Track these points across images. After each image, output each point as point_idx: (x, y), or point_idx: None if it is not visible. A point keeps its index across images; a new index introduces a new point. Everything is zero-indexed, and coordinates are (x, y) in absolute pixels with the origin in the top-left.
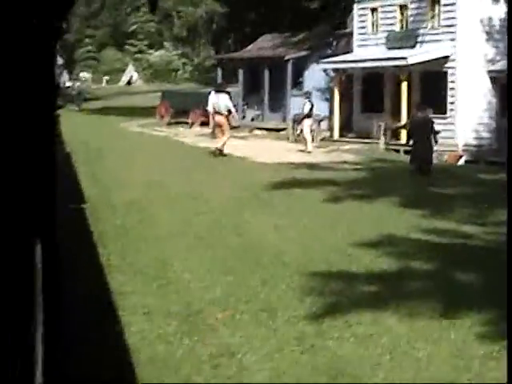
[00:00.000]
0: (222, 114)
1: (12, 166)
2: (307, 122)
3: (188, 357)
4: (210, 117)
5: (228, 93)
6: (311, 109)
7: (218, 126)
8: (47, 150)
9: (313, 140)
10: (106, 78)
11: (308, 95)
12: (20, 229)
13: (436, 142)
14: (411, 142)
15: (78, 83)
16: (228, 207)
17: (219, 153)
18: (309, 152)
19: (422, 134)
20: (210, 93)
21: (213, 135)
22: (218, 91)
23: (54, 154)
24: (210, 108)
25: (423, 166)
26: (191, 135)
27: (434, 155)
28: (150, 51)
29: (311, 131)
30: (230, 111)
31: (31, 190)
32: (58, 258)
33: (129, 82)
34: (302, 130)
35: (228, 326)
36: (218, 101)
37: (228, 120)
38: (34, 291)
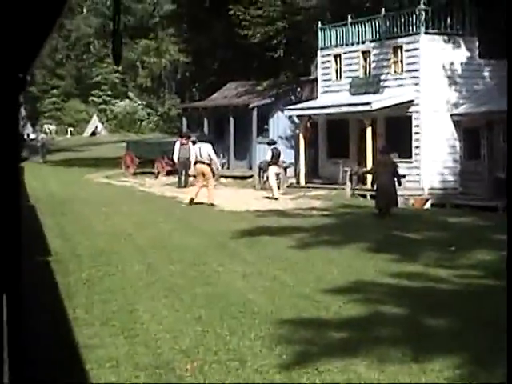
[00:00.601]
0: (204, 163)
1: None
2: (272, 170)
3: None
4: (192, 166)
5: (210, 142)
6: (277, 156)
7: (202, 174)
8: (12, 203)
9: (279, 187)
10: (71, 129)
11: (272, 142)
12: None
13: (399, 184)
14: (375, 186)
15: (42, 135)
16: (196, 256)
17: (191, 201)
18: (275, 199)
19: (386, 176)
20: (175, 142)
21: (179, 184)
22: (200, 141)
23: (19, 207)
24: (175, 157)
25: (387, 209)
26: (157, 185)
27: (401, 200)
28: (115, 101)
29: (277, 178)
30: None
31: None
32: (22, 311)
33: (93, 133)
34: (267, 178)
35: (197, 377)
36: (200, 150)
37: (211, 169)
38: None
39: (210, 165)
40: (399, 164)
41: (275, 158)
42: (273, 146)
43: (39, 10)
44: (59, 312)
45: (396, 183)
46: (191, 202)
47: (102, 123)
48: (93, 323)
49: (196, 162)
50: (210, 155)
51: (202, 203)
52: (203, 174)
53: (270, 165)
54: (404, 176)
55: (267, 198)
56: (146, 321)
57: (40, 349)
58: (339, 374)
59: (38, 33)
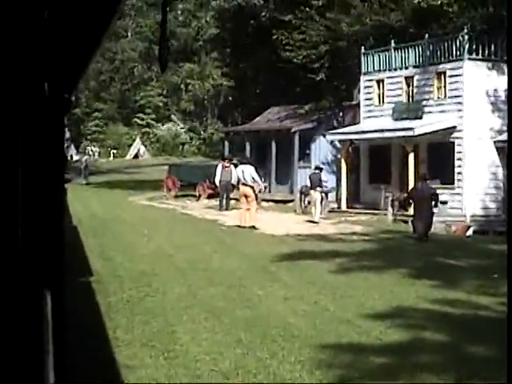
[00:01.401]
0: (247, 185)
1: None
2: (316, 194)
3: None
4: (238, 188)
5: (253, 165)
6: (317, 180)
7: (245, 196)
8: (57, 221)
9: (321, 212)
10: (114, 151)
11: (318, 168)
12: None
13: (436, 206)
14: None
15: (85, 157)
16: (236, 279)
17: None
18: (316, 222)
19: (423, 203)
20: (217, 165)
21: (221, 207)
22: (242, 163)
23: (62, 225)
24: (217, 180)
25: (425, 233)
26: (199, 208)
27: (442, 226)
28: (158, 125)
29: (321, 202)
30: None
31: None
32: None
33: (136, 156)
34: (309, 202)
35: None
36: (243, 172)
37: (254, 191)
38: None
39: (252, 187)
40: (441, 190)
41: (316, 183)
42: (312, 172)
43: (84, 30)
44: (100, 332)
45: (433, 209)
46: (245, 227)
47: (145, 146)
48: (133, 344)
49: (240, 185)
50: (253, 177)
51: (244, 226)
52: (246, 197)
53: (311, 189)
54: (446, 202)
55: (309, 221)
56: (186, 342)
57: (80, 368)
58: None
59: (82, 54)
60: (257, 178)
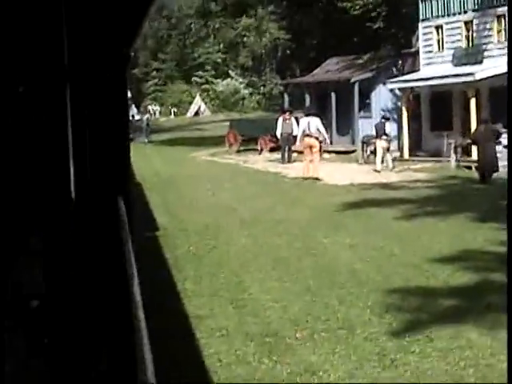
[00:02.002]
0: (312, 137)
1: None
2: (378, 143)
3: (268, 377)
4: (299, 140)
5: (319, 116)
6: (381, 130)
7: (309, 147)
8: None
9: (383, 161)
10: (174, 109)
11: (385, 117)
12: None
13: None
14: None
15: (146, 115)
16: (301, 229)
17: (315, 179)
18: (378, 171)
19: (487, 145)
20: (277, 119)
21: (283, 160)
22: (307, 115)
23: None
24: (278, 133)
25: (489, 175)
26: (261, 161)
27: (506, 170)
28: (217, 81)
29: (382, 152)
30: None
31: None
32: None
33: (196, 113)
34: (372, 152)
35: (307, 345)
36: (309, 124)
37: (319, 142)
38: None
39: (317, 138)
40: (504, 134)
41: (380, 132)
42: (378, 121)
43: None
44: (169, 284)
45: (496, 150)
46: (309, 178)
47: (205, 103)
48: (202, 294)
49: (304, 136)
50: (318, 129)
51: (308, 178)
52: (311, 148)
53: (376, 138)
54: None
55: (375, 170)
56: (254, 292)
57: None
58: (451, 341)
59: (138, 8)
60: (322, 129)
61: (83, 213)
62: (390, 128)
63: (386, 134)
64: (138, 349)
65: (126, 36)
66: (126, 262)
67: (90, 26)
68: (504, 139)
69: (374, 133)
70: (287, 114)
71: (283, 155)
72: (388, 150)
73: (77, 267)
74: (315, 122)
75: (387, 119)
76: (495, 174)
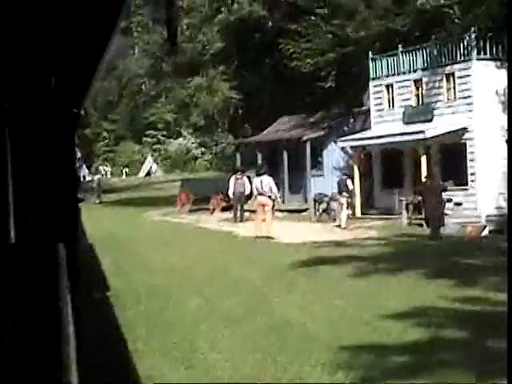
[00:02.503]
0: (264, 195)
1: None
2: (341, 199)
3: None
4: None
5: (271, 175)
6: (343, 186)
7: (262, 205)
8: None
9: (335, 219)
10: (126, 170)
11: (347, 174)
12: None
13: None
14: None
15: (97, 176)
16: (254, 288)
17: (268, 237)
18: (342, 227)
19: (433, 199)
20: (229, 178)
21: (235, 219)
22: (259, 174)
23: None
24: (230, 192)
25: (436, 230)
26: (213, 221)
27: (457, 227)
28: (169, 141)
29: (347, 207)
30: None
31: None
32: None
33: (148, 173)
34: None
35: None
36: (261, 183)
37: (272, 200)
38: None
39: (270, 197)
40: (455, 192)
41: (342, 189)
42: (339, 178)
43: (87, 42)
44: (119, 345)
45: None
46: (259, 237)
47: (157, 163)
48: (153, 354)
49: (257, 195)
50: (271, 187)
51: (261, 236)
52: (263, 206)
53: (339, 194)
54: (460, 204)
55: (337, 226)
56: (206, 351)
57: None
58: None
59: (89, 66)
60: (274, 188)
61: (22, 258)
62: (352, 185)
63: (347, 191)
64: None
65: (76, 95)
66: (61, 311)
67: (35, 84)
68: (456, 196)
69: (335, 189)
70: (239, 173)
71: (235, 214)
72: (348, 206)
73: (10, 311)
74: (267, 181)
75: (348, 176)
76: (444, 231)
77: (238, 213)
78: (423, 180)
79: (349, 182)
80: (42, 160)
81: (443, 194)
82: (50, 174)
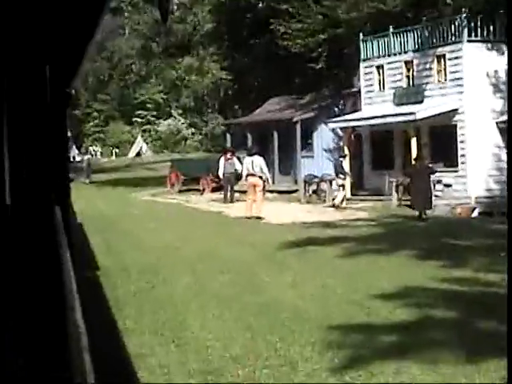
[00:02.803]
0: (255, 176)
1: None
2: (340, 180)
3: None
4: (243, 179)
5: (262, 155)
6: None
7: (253, 186)
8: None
9: (325, 201)
10: (116, 150)
11: (343, 156)
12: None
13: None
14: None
15: (87, 156)
16: (244, 267)
17: (257, 218)
18: (339, 207)
19: (421, 180)
20: (219, 158)
21: (225, 200)
22: (250, 154)
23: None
24: (220, 173)
25: (423, 211)
26: (203, 201)
27: (447, 209)
28: (158, 121)
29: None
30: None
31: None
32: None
33: (138, 154)
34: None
35: (250, 382)
36: (252, 163)
37: (262, 181)
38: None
39: (261, 177)
40: (445, 173)
41: (339, 170)
42: (335, 160)
43: (78, 25)
44: (109, 323)
45: (432, 186)
46: (250, 218)
47: (147, 143)
48: (143, 333)
49: (247, 175)
50: (262, 168)
51: (251, 217)
52: (254, 187)
53: (336, 175)
54: (450, 185)
55: (333, 206)
56: (196, 330)
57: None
58: (393, 376)
59: (79, 47)
60: (265, 169)
61: (19, 218)
62: (330, 167)
63: (343, 173)
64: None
65: (67, 76)
66: (63, 266)
67: (27, 64)
68: (445, 178)
69: (325, 171)
70: (229, 153)
71: (225, 195)
72: (343, 187)
73: (11, 271)
74: (258, 162)
75: (344, 157)
76: (434, 212)
77: (229, 193)
78: (413, 162)
79: (345, 163)
80: (36, 132)
81: (432, 176)
82: (44, 144)
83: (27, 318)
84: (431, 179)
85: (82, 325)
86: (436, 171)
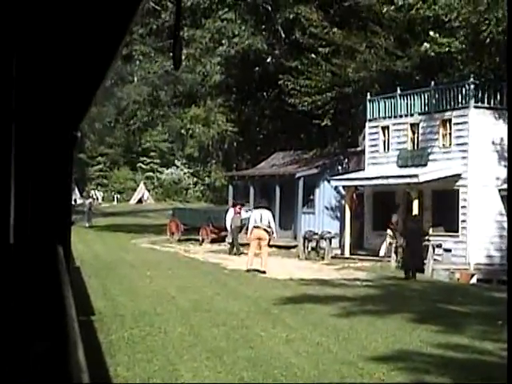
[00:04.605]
0: (261, 228)
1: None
2: None
3: None
4: (249, 231)
5: (270, 209)
6: None
7: (258, 239)
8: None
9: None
10: (117, 196)
11: None
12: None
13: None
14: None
15: (89, 200)
16: (239, 321)
17: (262, 272)
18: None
19: (413, 241)
20: (227, 210)
21: (230, 252)
22: (258, 207)
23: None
24: (227, 225)
25: (413, 270)
26: (202, 251)
27: (446, 273)
28: (162, 169)
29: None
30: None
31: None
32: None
33: (140, 201)
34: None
35: None
36: (261, 216)
37: (269, 235)
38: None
39: (267, 231)
40: (445, 238)
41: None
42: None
43: (87, 67)
44: (101, 369)
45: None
46: (248, 271)
47: (149, 191)
48: (134, 381)
49: (254, 228)
50: (269, 222)
51: (249, 270)
52: (259, 240)
53: None
54: (450, 250)
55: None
56: (188, 380)
57: None
58: None
59: (87, 89)
60: (273, 223)
61: (22, 257)
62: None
63: (392, 224)
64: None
65: (74, 117)
66: (65, 304)
67: (36, 107)
68: (446, 242)
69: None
70: (238, 206)
71: (232, 247)
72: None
73: (13, 307)
74: (267, 215)
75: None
76: (431, 277)
77: (235, 246)
78: (407, 223)
79: (394, 216)
80: (42, 173)
81: (425, 238)
82: (49, 185)
83: (30, 355)
84: (431, 243)
85: (84, 362)
86: (427, 233)
